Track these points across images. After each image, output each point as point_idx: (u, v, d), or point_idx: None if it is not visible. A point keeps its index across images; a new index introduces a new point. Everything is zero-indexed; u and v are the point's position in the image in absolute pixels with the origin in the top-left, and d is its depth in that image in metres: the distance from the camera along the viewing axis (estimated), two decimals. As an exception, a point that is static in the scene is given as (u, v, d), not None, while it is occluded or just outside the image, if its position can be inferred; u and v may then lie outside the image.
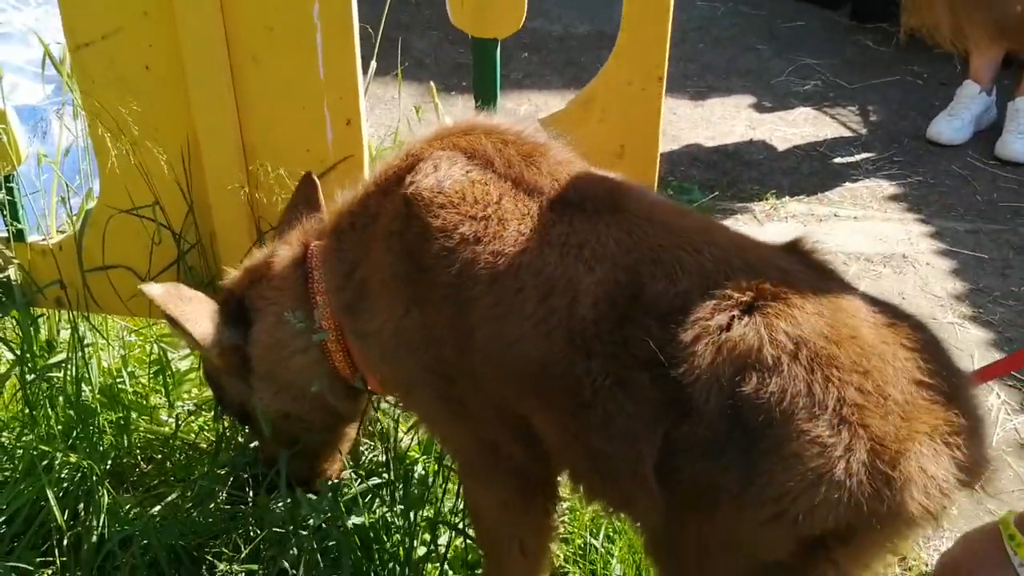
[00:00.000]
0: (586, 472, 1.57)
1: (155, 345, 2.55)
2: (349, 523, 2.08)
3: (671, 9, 1.84)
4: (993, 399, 2.97)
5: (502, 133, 1.66)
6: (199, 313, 1.84)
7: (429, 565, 2.16)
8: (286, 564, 2.09)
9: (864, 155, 4.33)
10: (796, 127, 4.52)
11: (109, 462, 2.39)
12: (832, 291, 1.43)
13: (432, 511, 2.20)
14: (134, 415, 2.53)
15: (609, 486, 1.54)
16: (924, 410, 1.32)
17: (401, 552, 2.11)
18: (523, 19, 1.91)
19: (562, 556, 2.28)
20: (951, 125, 4.35)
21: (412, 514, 2.09)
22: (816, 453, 1.28)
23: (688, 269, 1.45)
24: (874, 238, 3.75)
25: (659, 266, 1.46)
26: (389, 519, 2.12)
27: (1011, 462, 2.76)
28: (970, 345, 3.19)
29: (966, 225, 3.84)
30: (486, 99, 1.98)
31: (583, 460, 1.54)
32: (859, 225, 3.83)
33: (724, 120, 4.56)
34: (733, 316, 1.37)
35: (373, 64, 2.56)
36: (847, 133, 4.49)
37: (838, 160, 4.29)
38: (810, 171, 4.20)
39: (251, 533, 2.24)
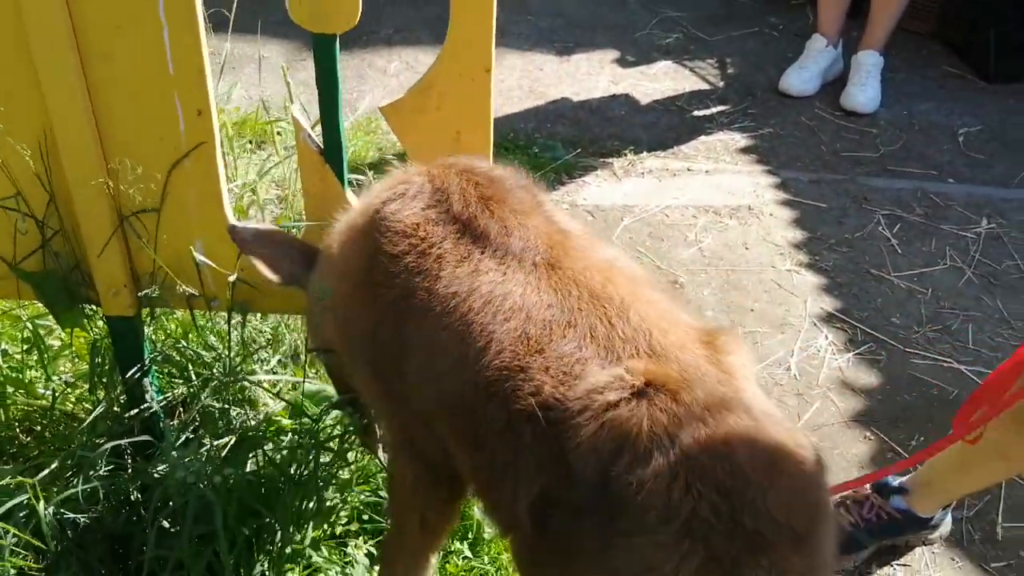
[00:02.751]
0: (480, 497, 1.79)
1: (27, 324, 2.65)
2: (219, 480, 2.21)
3: (493, 10, 1.99)
4: (821, 340, 3.28)
5: (474, 173, 1.82)
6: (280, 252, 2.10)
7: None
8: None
9: (719, 108, 4.57)
10: (657, 82, 4.73)
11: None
12: (726, 402, 1.48)
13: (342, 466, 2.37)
14: (10, 389, 2.65)
15: (493, 514, 1.73)
16: (766, 548, 1.38)
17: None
18: (359, 13, 2.02)
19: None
20: (800, 77, 4.61)
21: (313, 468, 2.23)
22: (656, 546, 1.39)
23: (597, 339, 1.55)
24: (724, 191, 4.00)
25: (572, 329, 1.57)
26: (293, 473, 2.27)
27: (833, 399, 3.07)
28: (804, 291, 3.49)
29: (810, 175, 4.13)
30: (327, 96, 2.10)
31: (478, 488, 1.75)
32: (710, 179, 4.08)
33: (589, 76, 4.73)
34: (623, 397, 1.46)
35: (227, 45, 2.67)
36: (705, 86, 4.72)
37: (695, 113, 4.53)
38: (668, 125, 4.42)
39: (133, 497, 2.39)
